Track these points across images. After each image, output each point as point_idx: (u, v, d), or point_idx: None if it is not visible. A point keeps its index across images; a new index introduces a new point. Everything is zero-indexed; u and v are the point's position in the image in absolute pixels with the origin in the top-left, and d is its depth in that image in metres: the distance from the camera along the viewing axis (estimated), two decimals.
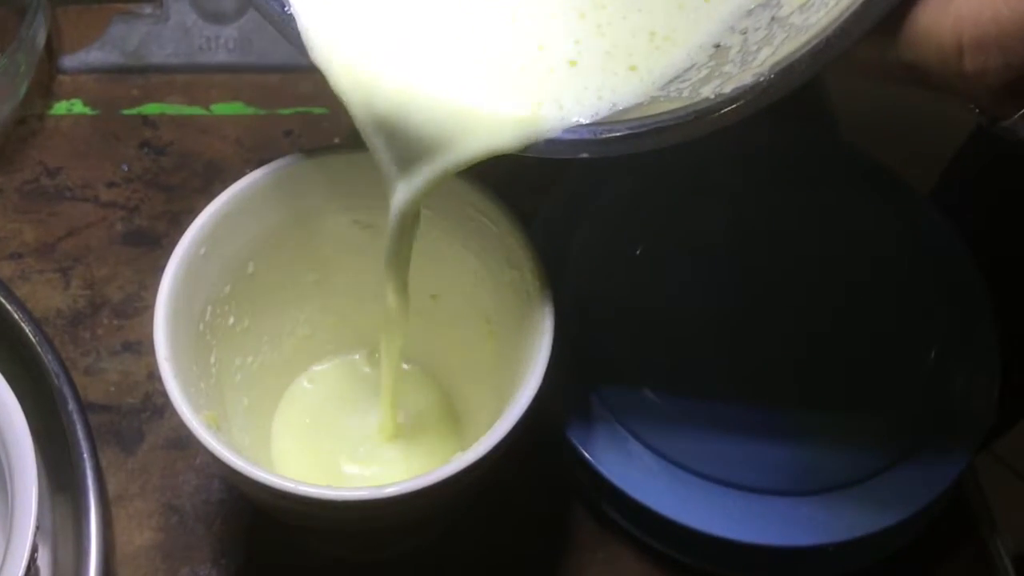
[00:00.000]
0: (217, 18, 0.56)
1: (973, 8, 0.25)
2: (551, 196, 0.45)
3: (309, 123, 0.54)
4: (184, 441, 0.46)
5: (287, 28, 0.33)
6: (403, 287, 0.36)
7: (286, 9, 0.33)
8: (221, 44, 0.56)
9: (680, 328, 0.43)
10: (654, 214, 0.45)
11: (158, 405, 0.47)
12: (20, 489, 0.37)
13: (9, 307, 0.45)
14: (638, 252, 0.44)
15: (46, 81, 0.55)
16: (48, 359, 0.44)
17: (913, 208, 0.46)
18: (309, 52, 0.33)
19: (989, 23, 0.25)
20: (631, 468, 0.40)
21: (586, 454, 0.40)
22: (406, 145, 0.32)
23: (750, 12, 0.32)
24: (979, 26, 0.25)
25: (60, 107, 0.55)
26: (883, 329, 0.44)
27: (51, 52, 0.55)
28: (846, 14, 0.26)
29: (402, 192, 0.33)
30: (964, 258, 0.45)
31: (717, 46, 0.32)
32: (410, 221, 0.35)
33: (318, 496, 0.31)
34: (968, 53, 0.26)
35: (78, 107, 0.55)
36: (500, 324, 0.38)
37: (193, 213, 0.37)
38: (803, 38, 0.28)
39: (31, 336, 0.44)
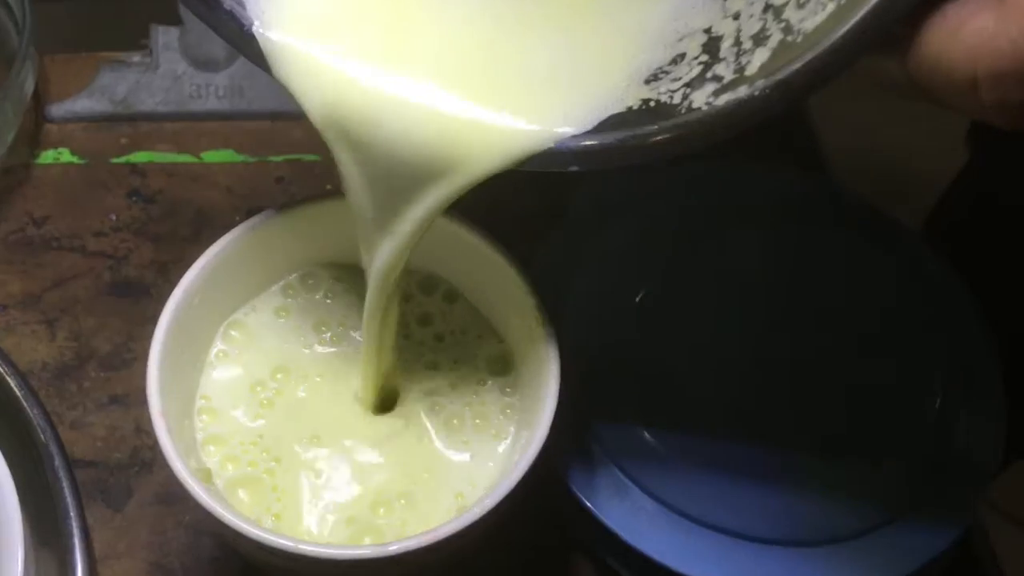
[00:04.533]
0: (208, 65, 0.55)
1: (985, 39, 0.24)
2: (546, 244, 0.45)
3: (301, 170, 0.54)
4: (173, 497, 0.45)
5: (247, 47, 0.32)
6: (384, 349, 0.36)
7: (247, 28, 0.32)
8: (211, 91, 0.56)
9: (682, 375, 0.42)
10: (653, 261, 0.44)
11: (146, 460, 0.46)
12: (5, 546, 0.36)
13: None
14: (638, 299, 0.44)
15: (32, 130, 0.54)
16: (33, 413, 0.43)
17: (913, 254, 0.46)
18: (272, 67, 0.32)
19: (1006, 58, 0.24)
20: (635, 519, 0.39)
21: (589, 505, 0.39)
22: (393, 175, 0.31)
23: None
24: (995, 59, 0.24)
25: (47, 156, 0.54)
26: (886, 377, 0.43)
27: (38, 100, 0.55)
28: (845, 27, 0.26)
29: (388, 243, 0.33)
30: (967, 304, 0.44)
31: (708, 31, 0.31)
32: (394, 278, 0.34)
33: (318, 555, 0.30)
34: (985, 86, 0.25)
35: (66, 156, 0.54)
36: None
37: (183, 262, 0.37)
38: (800, 45, 0.27)
39: (16, 389, 0.43)
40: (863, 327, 0.44)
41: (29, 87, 0.51)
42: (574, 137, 0.29)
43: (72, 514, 0.41)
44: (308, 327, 0.39)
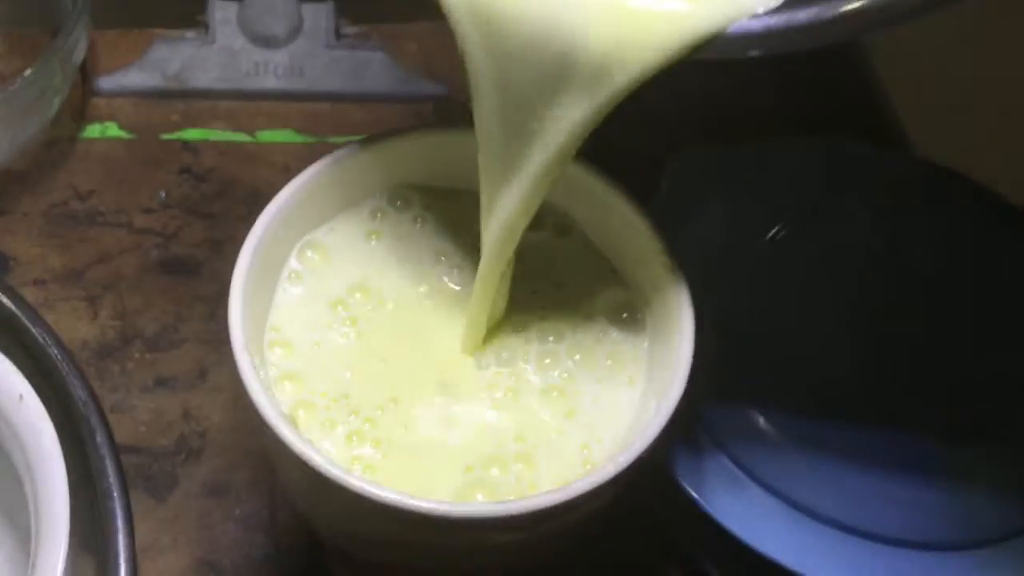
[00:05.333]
0: (267, 42, 0.52)
1: None
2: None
3: None
4: (224, 487, 0.41)
5: None
6: (499, 298, 0.32)
7: None
8: (270, 70, 0.52)
9: (800, 354, 0.38)
10: (765, 234, 0.40)
11: (194, 448, 0.42)
12: (45, 535, 0.32)
13: (34, 331, 0.40)
14: (748, 271, 0.39)
15: (79, 104, 0.51)
16: (76, 389, 0.39)
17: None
18: None
19: None
20: (751, 515, 0.35)
21: (697, 497, 0.35)
22: (536, 76, 0.27)
23: None
24: None
25: (93, 130, 0.50)
26: (1018, 364, 0.39)
27: (85, 75, 0.52)
28: None
29: (519, 184, 0.29)
30: None
31: None
32: (522, 228, 0.30)
33: (434, 513, 0.26)
34: None
35: (113, 130, 0.51)
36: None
37: (237, 241, 0.33)
38: None
39: (59, 364, 0.39)
40: (992, 310, 0.40)
41: (79, 55, 0.48)
42: (756, 17, 0.26)
43: (116, 496, 0.36)
44: (400, 257, 0.34)
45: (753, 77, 0.49)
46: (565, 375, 0.31)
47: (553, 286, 0.34)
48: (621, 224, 0.32)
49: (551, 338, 0.32)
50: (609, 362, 0.32)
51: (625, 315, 0.33)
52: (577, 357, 0.32)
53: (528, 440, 0.30)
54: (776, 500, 0.35)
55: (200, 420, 0.42)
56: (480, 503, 0.28)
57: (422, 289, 0.34)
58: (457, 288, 0.34)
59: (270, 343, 0.31)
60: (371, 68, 0.53)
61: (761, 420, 0.36)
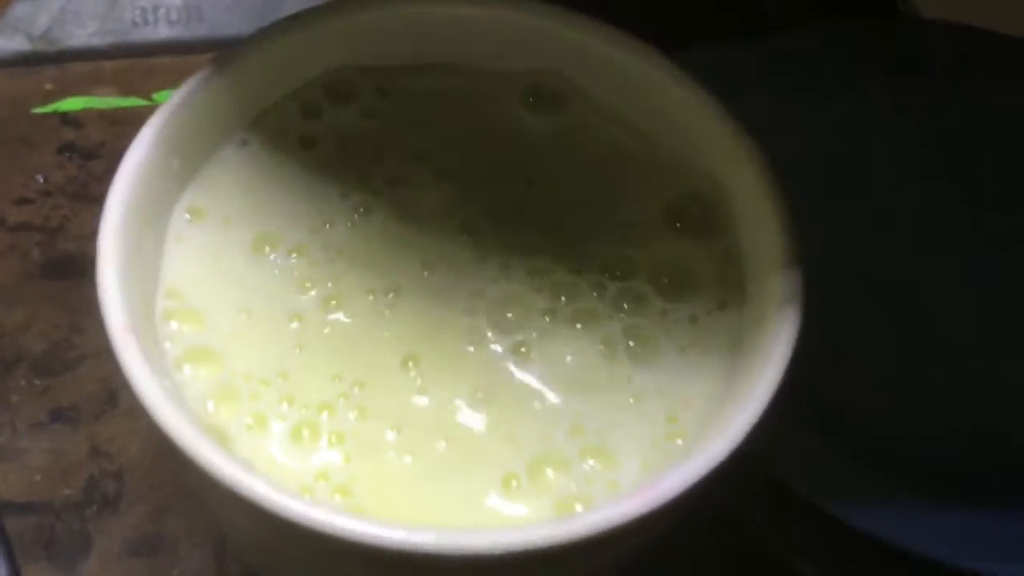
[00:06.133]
0: None
1: None
2: None
3: None
4: (153, 542, 0.31)
5: None
6: None
7: None
8: (161, 16, 0.43)
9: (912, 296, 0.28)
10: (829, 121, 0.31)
11: (109, 495, 0.32)
12: None
13: None
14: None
15: None
16: None
17: None
18: None
19: None
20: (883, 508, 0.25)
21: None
22: None
23: None
24: None
25: None
26: None
27: None
28: None
29: None
30: None
31: None
32: None
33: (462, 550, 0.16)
34: None
35: None
36: None
37: None
38: None
39: None
40: None
41: None
42: None
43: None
44: (355, 172, 0.24)
45: None
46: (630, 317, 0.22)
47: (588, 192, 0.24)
48: (680, 112, 0.23)
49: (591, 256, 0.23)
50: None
51: (699, 219, 0.23)
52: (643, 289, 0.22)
53: (590, 422, 0.20)
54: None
55: (113, 457, 0.32)
56: (562, 522, 0.18)
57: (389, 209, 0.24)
58: (442, 201, 0.24)
59: (165, 314, 0.21)
60: (285, 4, 0.43)
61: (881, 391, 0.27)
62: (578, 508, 0.19)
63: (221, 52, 0.24)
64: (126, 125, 0.41)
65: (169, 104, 0.23)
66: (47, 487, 0.32)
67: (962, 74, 0.33)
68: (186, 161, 0.23)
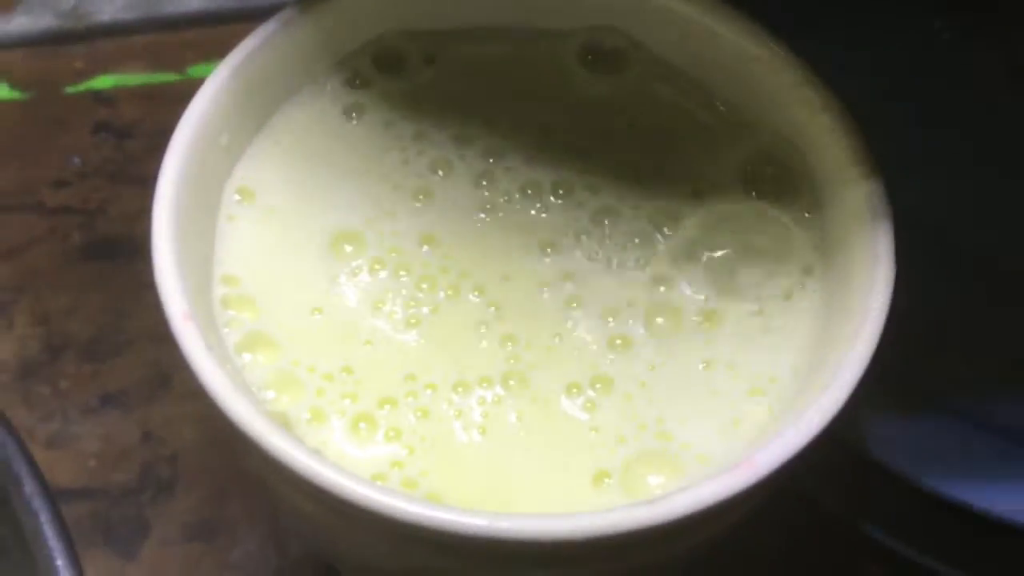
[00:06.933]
0: None
1: None
2: None
3: None
4: (211, 526, 0.30)
5: None
6: None
7: None
8: None
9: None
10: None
11: (164, 479, 0.31)
12: None
13: None
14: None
15: None
16: None
17: None
18: None
19: None
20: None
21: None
22: None
23: None
24: None
25: None
26: None
27: None
28: None
29: None
30: None
31: None
32: None
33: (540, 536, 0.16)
34: None
35: (3, 91, 0.40)
36: None
37: None
38: None
39: None
40: None
41: None
42: None
43: (60, 566, 0.26)
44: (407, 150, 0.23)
45: None
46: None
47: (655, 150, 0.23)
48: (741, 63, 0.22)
49: (665, 229, 0.22)
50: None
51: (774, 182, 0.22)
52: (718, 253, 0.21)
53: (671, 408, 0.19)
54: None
55: (167, 441, 0.32)
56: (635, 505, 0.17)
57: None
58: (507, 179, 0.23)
59: (223, 301, 0.21)
60: None
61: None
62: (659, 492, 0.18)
63: (267, 20, 0.23)
64: (159, 102, 0.40)
65: (213, 80, 0.22)
66: (101, 473, 0.32)
67: None
68: (235, 137, 0.22)
